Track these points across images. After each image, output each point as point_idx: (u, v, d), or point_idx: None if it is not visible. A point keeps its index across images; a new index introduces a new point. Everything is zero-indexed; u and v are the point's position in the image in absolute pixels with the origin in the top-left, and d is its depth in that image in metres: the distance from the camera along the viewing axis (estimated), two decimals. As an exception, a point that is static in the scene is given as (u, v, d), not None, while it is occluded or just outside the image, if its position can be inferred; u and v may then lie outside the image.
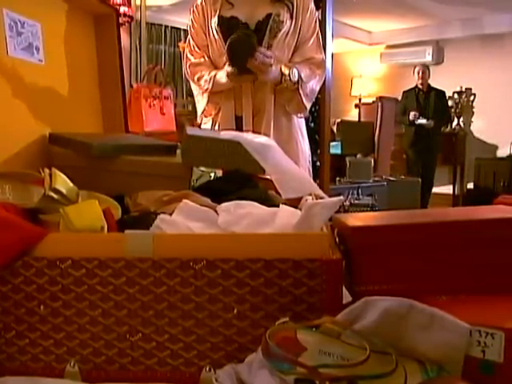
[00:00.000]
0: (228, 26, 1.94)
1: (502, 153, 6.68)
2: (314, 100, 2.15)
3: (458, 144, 6.52)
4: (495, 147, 6.82)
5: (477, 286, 0.77)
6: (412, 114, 6.05)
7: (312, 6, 2.04)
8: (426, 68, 6.38)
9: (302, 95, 2.00)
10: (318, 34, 2.05)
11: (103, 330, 0.77)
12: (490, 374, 0.64)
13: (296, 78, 1.95)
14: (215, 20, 1.96)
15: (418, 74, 6.33)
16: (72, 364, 0.78)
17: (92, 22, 1.52)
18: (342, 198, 0.80)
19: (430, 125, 6.04)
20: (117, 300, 0.76)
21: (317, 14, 2.10)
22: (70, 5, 1.40)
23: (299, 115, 2.10)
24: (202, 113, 2.10)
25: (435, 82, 6.31)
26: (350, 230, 0.76)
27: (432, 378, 0.64)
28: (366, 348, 0.63)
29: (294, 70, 1.96)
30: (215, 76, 1.97)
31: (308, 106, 2.06)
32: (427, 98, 6.24)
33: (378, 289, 0.76)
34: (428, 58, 7.42)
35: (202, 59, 2.05)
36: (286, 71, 1.95)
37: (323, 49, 2.12)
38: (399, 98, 6.62)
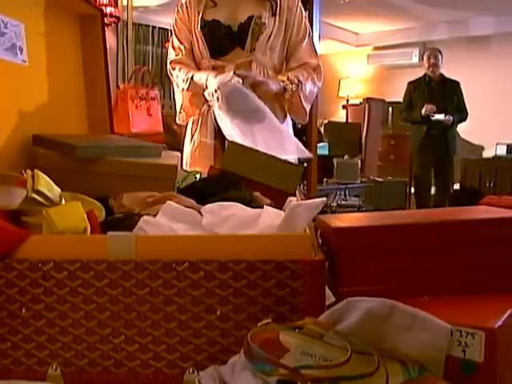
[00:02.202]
0: (210, 29, 1.94)
1: (487, 153, 6.74)
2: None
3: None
4: (481, 148, 6.88)
5: (458, 286, 0.78)
6: (428, 107, 4.83)
7: (300, 6, 2.02)
8: (438, 52, 5.07)
9: (302, 97, 1.99)
10: (309, 36, 2.03)
11: (86, 332, 0.77)
12: (470, 374, 0.65)
13: (296, 81, 1.94)
14: (198, 23, 1.95)
15: (429, 59, 5.04)
16: (54, 367, 0.77)
17: (77, 23, 1.51)
18: (324, 199, 0.80)
19: (448, 121, 4.89)
20: (99, 302, 0.76)
21: (306, 15, 2.09)
22: (55, 5, 1.39)
23: (301, 121, 2.10)
24: (180, 112, 2.09)
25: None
26: (333, 231, 0.76)
27: (413, 378, 0.65)
28: (347, 349, 0.63)
29: (289, 73, 1.95)
30: (192, 77, 1.95)
31: (307, 108, 2.03)
32: (441, 90, 5.04)
33: (360, 290, 0.76)
34: (415, 60, 7.47)
35: (181, 55, 2.03)
36: (283, 78, 1.94)
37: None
38: (386, 99, 6.65)
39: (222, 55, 1.95)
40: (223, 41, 1.94)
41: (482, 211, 0.94)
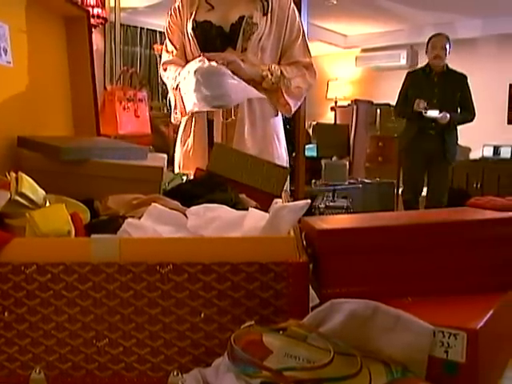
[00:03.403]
0: (201, 30, 1.94)
1: (474, 155, 6.80)
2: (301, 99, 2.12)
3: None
4: (468, 149, 6.94)
5: (441, 287, 0.78)
6: (421, 103, 4.18)
7: (292, 7, 2.02)
8: (446, 41, 4.32)
9: (284, 90, 1.98)
10: (303, 36, 2.03)
11: (69, 335, 0.76)
12: (453, 374, 0.65)
13: (278, 73, 1.94)
14: (190, 25, 1.96)
15: (434, 49, 4.29)
16: (37, 371, 0.77)
17: (63, 24, 1.50)
18: (308, 201, 0.80)
19: (443, 119, 4.17)
20: (83, 305, 0.76)
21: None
22: (40, 7, 1.38)
23: (285, 113, 2.08)
24: (175, 113, 2.07)
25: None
26: (317, 233, 0.77)
27: (396, 379, 0.65)
28: (330, 350, 0.63)
29: (273, 65, 1.95)
30: (179, 74, 1.95)
31: (292, 103, 2.02)
32: (443, 83, 4.34)
33: (345, 291, 0.76)
34: (402, 62, 7.52)
35: (172, 56, 2.03)
36: (264, 67, 1.94)
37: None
38: (374, 101, 6.68)
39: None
40: (215, 41, 1.94)
41: (466, 213, 0.95)
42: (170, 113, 2.13)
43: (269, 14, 1.95)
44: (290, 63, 2.00)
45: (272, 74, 1.94)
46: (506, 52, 6.99)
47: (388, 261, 0.78)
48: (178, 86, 1.95)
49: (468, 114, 4.34)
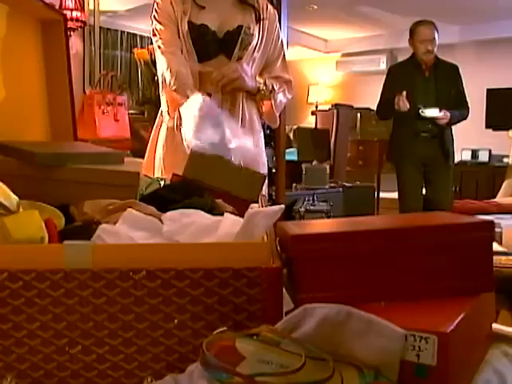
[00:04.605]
0: (198, 33, 1.93)
1: (453, 159, 6.86)
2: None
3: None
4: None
5: (415, 291, 0.79)
6: (400, 101, 3.50)
7: (277, 24, 2.08)
8: (435, 29, 3.70)
9: (273, 104, 2.03)
10: (283, 55, 2.10)
11: (41, 343, 0.75)
12: (424, 378, 0.66)
13: (270, 87, 1.98)
14: (185, 25, 1.93)
15: (424, 42, 3.67)
16: (9, 380, 0.75)
17: (39, 28, 1.49)
18: (282, 206, 0.80)
19: (445, 119, 3.62)
20: (55, 312, 0.75)
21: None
22: (15, 10, 1.37)
23: (272, 125, 2.16)
24: (167, 112, 2.03)
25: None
26: (290, 239, 0.77)
27: (368, 383, 0.66)
28: (302, 355, 0.64)
29: (266, 79, 2.00)
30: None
31: (277, 115, 2.10)
32: (436, 77, 3.73)
33: (319, 296, 0.77)
34: (382, 67, 7.58)
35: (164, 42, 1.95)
36: (260, 80, 1.98)
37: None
38: (355, 105, 6.72)
39: (206, 60, 1.95)
40: (208, 46, 1.94)
41: (439, 218, 0.97)
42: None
43: (261, 25, 1.99)
44: (272, 77, 2.04)
45: (266, 88, 1.97)
46: (484, 58, 7.11)
47: (362, 266, 0.78)
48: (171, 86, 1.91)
49: (464, 110, 3.78)
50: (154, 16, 1.99)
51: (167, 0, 1.96)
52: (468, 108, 3.81)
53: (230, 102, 1.96)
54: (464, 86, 3.79)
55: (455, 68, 3.82)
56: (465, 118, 3.80)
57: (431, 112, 3.56)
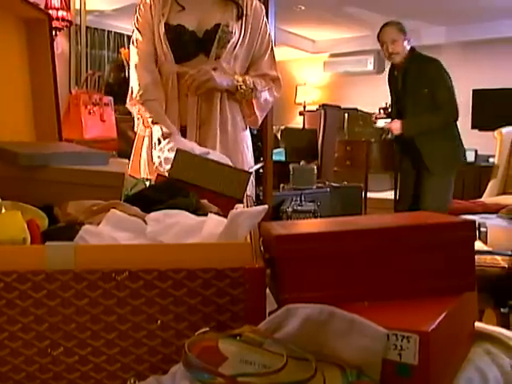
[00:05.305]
0: (174, 34, 1.93)
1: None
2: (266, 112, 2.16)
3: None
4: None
5: (398, 290, 0.80)
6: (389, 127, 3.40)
7: (265, 19, 2.05)
8: (393, 29, 3.57)
9: (255, 104, 2.02)
10: (272, 50, 2.07)
11: (23, 345, 0.75)
12: (406, 377, 0.67)
13: (251, 85, 1.96)
14: (162, 27, 1.93)
15: (383, 45, 3.54)
16: (-10, 381, 0.75)
17: (23, 28, 1.48)
18: (266, 206, 0.81)
19: (394, 130, 3.51)
20: (37, 314, 0.74)
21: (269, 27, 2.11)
22: (-2, 9, 1.36)
23: (252, 126, 2.13)
24: (143, 124, 2.05)
25: (376, 90, 6.43)
26: (274, 239, 0.77)
27: (351, 382, 0.66)
28: (284, 355, 0.64)
29: (247, 77, 1.98)
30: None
31: (260, 116, 2.07)
32: (403, 80, 3.52)
33: (303, 296, 0.77)
34: (370, 67, 7.63)
35: (140, 54, 1.98)
36: (239, 78, 1.96)
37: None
38: (342, 105, 6.74)
39: (185, 61, 1.94)
40: (187, 46, 1.93)
41: (421, 217, 0.97)
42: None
43: (243, 21, 1.96)
44: (258, 75, 2.02)
45: (246, 86, 1.95)
46: (470, 59, 7.16)
47: (345, 266, 0.79)
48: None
49: (437, 115, 3.35)
50: (135, 23, 2.01)
51: (147, 5, 1.97)
52: (449, 111, 3.42)
53: (206, 103, 1.96)
54: (448, 85, 3.46)
55: (431, 64, 3.44)
56: (451, 120, 3.47)
57: (380, 123, 3.42)
